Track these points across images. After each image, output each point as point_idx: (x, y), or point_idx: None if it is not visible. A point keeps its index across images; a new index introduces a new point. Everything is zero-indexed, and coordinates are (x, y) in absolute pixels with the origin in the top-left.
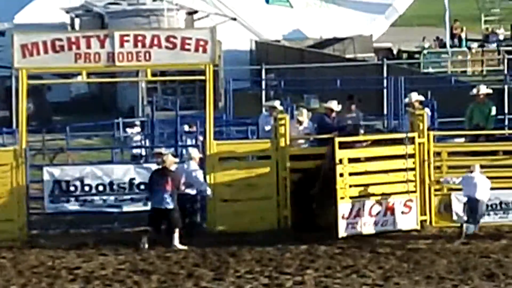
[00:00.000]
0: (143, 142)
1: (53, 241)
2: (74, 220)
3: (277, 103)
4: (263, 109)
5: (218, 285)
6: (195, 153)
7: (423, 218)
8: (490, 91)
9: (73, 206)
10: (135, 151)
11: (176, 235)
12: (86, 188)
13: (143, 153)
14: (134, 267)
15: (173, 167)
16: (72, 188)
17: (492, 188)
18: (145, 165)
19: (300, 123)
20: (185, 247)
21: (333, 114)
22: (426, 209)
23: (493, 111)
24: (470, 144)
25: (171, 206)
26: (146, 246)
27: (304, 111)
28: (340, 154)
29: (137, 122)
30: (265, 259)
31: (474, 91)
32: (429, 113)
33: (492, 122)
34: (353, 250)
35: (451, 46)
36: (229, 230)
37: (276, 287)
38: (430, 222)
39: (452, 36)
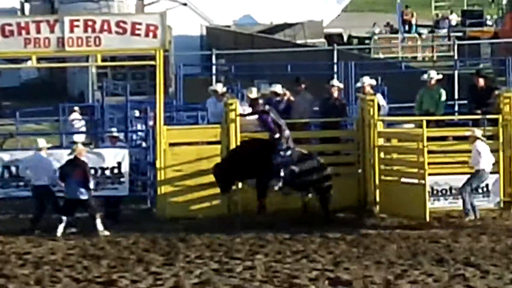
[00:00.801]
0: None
1: (2, 226)
2: (23, 205)
3: (219, 87)
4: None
5: (168, 270)
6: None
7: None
8: (441, 76)
9: (22, 191)
10: (77, 138)
11: (99, 221)
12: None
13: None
14: (84, 252)
15: (84, 157)
16: (21, 174)
17: (441, 174)
18: (96, 150)
19: (251, 99)
20: (108, 233)
21: (278, 98)
22: None
23: (443, 96)
24: (419, 130)
25: (85, 196)
26: (59, 234)
27: (254, 89)
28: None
29: (76, 108)
30: (215, 245)
31: (425, 76)
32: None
33: (443, 108)
34: (303, 236)
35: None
36: (179, 216)
37: (226, 272)
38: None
39: (403, 22)
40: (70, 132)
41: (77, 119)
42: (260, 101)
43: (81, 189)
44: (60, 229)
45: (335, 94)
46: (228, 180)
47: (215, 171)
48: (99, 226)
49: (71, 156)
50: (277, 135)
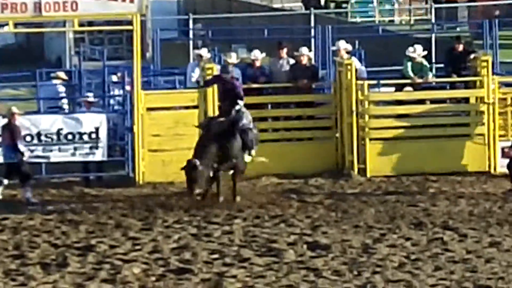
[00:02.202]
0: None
1: None
2: (1, 170)
3: (203, 51)
4: (191, 58)
5: (146, 235)
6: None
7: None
8: (426, 53)
9: (1, 156)
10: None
11: (29, 187)
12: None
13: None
14: (62, 217)
15: (17, 120)
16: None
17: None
18: (73, 115)
19: (229, 65)
20: (37, 200)
21: (257, 64)
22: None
23: (425, 62)
24: (397, 93)
25: (14, 160)
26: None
27: (233, 54)
28: None
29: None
30: (193, 209)
31: (410, 50)
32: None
33: (428, 72)
34: (281, 200)
35: None
36: (157, 181)
37: (205, 237)
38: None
39: None
40: (47, 98)
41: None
42: (230, 68)
43: (11, 153)
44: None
45: (304, 62)
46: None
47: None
48: (28, 192)
49: (5, 120)
50: (240, 103)
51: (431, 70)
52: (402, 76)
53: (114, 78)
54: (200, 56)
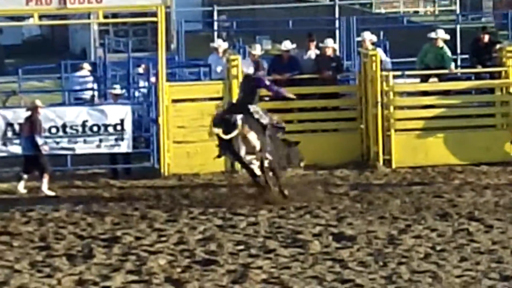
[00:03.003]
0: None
1: (6, 183)
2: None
3: (219, 42)
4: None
5: (172, 227)
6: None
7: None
8: (448, 37)
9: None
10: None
11: (45, 180)
12: None
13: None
14: (88, 209)
15: (40, 113)
16: None
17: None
18: (99, 107)
19: (254, 57)
20: (53, 193)
21: (288, 54)
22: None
23: (449, 52)
24: (422, 84)
25: (30, 152)
26: (23, 191)
27: (257, 46)
28: None
29: (85, 65)
30: (218, 200)
31: (433, 34)
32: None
33: (450, 62)
34: (306, 191)
35: None
36: (182, 172)
37: (230, 228)
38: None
39: None
40: (73, 90)
41: (85, 76)
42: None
43: (29, 146)
44: (20, 186)
45: (329, 53)
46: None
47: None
48: (44, 186)
49: (28, 113)
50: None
51: (455, 61)
52: (426, 66)
53: (140, 69)
54: (217, 48)
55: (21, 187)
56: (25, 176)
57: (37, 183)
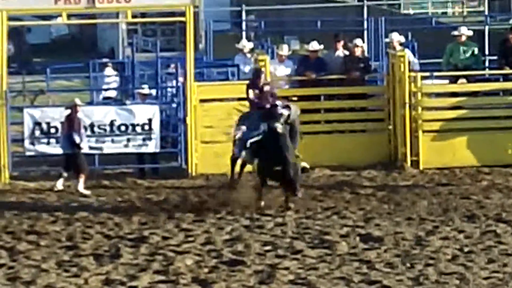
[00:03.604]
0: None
1: (34, 182)
2: (54, 161)
3: (244, 43)
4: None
5: (199, 227)
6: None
7: None
8: (471, 33)
9: (53, 147)
10: (108, 93)
11: (82, 179)
12: None
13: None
14: (115, 208)
15: (79, 111)
16: (52, 130)
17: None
18: (126, 106)
19: (281, 57)
20: (89, 192)
21: (315, 55)
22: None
23: (476, 50)
24: (450, 85)
25: (68, 150)
26: (60, 188)
27: (285, 46)
28: None
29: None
30: (245, 201)
31: (455, 32)
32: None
33: (480, 62)
34: (333, 192)
35: None
36: (210, 172)
37: (257, 229)
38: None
39: None
40: (101, 89)
41: (111, 75)
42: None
43: (67, 144)
44: (58, 183)
45: (358, 53)
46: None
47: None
48: (80, 185)
49: (68, 111)
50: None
51: (484, 62)
52: (453, 66)
53: (171, 68)
54: (241, 50)
55: (59, 184)
56: (65, 173)
57: (66, 181)
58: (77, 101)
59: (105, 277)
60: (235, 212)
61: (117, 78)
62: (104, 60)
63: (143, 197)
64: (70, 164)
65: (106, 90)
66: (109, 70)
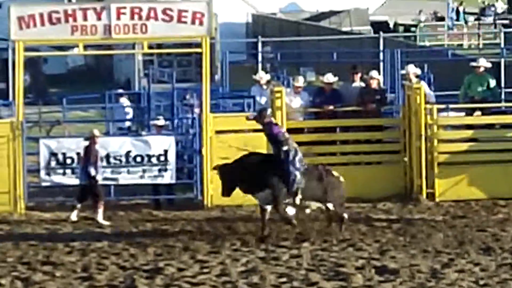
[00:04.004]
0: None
1: (49, 213)
2: (70, 192)
3: (261, 74)
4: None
5: (214, 258)
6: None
7: None
8: (490, 65)
9: (69, 178)
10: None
11: (100, 210)
12: None
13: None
14: (130, 239)
15: (97, 142)
16: (68, 161)
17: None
18: (142, 137)
19: (297, 88)
20: (108, 223)
21: (330, 87)
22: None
23: (493, 83)
24: (466, 118)
25: (84, 181)
26: (75, 219)
27: (300, 78)
28: None
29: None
30: (260, 233)
31: (474, 63)
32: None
33: (497, 94)
34: (349, 224)
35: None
36: (225, 203)
37: (273, 260)
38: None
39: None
40: (116, 120)
41: (126, 106)
42: (268, 112)
43: (83, 175)
44: (73, 214)
45: (374, 85)
46: (232, 184)
47: (220, 171)
48: (100, 215)
49: (87, 142)
50: (285, 147)
51: (500, 95)
52: (470, 99)
53: (189, 98)
54: (257, 81)
55: (74, 216)
56: (79, 205)
57: (81, 212)
58: (96, 132)
59: None
60: (250, 243)
61: (131, 109)
62: (120, 91)
63: (159, 228)
64: (85, 195)
65: (123, 121)
66: (124, 100)
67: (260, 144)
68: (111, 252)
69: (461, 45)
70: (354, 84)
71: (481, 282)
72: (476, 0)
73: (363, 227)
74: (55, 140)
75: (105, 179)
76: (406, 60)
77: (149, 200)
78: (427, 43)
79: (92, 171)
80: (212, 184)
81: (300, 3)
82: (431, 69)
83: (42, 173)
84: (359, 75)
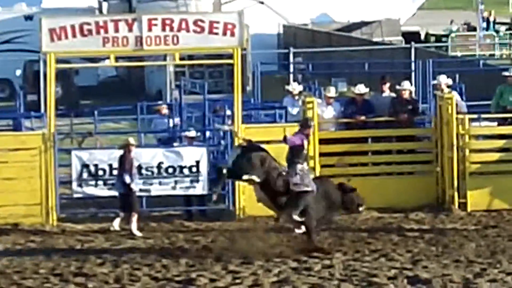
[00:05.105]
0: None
1: (81, 224)
2: (102, 203)
3: (294, 86)
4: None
5: (247, 269)
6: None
7: None
8: None
9: (101, 190)
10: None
11: (134, 219)
12: (115, 172)
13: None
14: (162, 250)
15: (131, 150)
16: (100, 172)
17: None
18: (174, 148)
19: (329, 99)
20: (140, 234)
21: (361, 98)
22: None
23: None
24: (498, 127)
25: (121, 190)
26: (117, 228)
27: (332, 88)
28: None
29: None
30: (293, 243)
31: (506, 73)
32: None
33: None
34: (381, 234)
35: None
36: (257, 214)
37: (305, 271)
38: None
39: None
40: (148, 131)
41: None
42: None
43: (119, 184)
44: (115, 222)
45: (406, 95)
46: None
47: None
48: (134, 226)
49: (121, 151)
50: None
51: None
52: (502, 109)
53: (228, 111)
54: (289, 92)
55: (116, 224)
56: (122, 213)
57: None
58: (131, 140)
59: None
60: (282, 253)
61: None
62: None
63: (191, 239)
64: (121, 203)
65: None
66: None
67: None
68: (143, 263)
69: (493, 55)
70: (384, 95)
71: None
72: (507, 10)
73: (395, 237)
74: (87, 151)
75: (138, 190)
76: (437, 70)
77: (181, 211)
78: (458, 53)
79: (127, 179)
80: (244, 195)
81: (331, 13)
82: (463, 79)
83: (74, 185)
84: (388, 85)
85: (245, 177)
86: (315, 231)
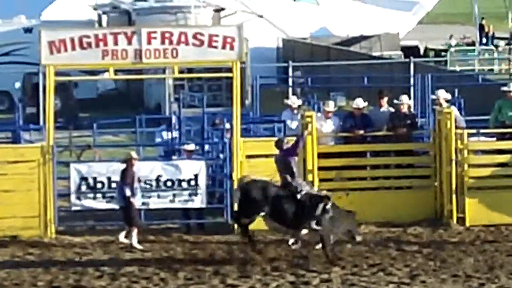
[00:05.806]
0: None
1: (79, 237)
2: (101, 216)
3: (293, 100)
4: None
5: (245, 283)
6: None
7: None
8: None
9: (100, 202)
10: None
11: (134, 233)
12: (113, 185)
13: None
14: (161, 263)
15: (134, 164)
16: (99, 185)
17: None
18: (173, 162)
19: (328, 113)
20: (141, 247)
21: (360, 112)
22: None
23: None
24: (497, 142)
25: (119, 204)
26: (123, 240)
27: (331, 102)
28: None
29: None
30: (291, 257)
31: (505, 88)
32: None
33: None
34: (379, 248)
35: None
36: (256, 228)
37: (303, 285)
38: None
39: (480, 33)
40: (147, 144)
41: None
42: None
43: (119, 197)
44: (121, 234)
45: (404, 110)
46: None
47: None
48: (134, 239)
49: (123, 165)
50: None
51: None
52: (501, 124)
53: (228, 125)
54: (289, 106)
55: (121, 236)
56: (127, 227)
57: (111, 237)
58: (133, 154)
59: None
60: (280, 267)
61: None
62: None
63: (189, 253)
64: (123, 217)
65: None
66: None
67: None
68: (141, 276)
69: (492, 70)
70: (381, 109)
71: None
72: (506, 25)
73: (394, 251)
74: (85, 164)
75: None
76: (436, 85)
77: (179, 225)
78: (457, 68)
79: (127, 192)
80: None
81: (330, 27)
82: (462, 93)
83: (73, 198)
84: (386, 99)
85: (255, 217)
86: (330, 244)
